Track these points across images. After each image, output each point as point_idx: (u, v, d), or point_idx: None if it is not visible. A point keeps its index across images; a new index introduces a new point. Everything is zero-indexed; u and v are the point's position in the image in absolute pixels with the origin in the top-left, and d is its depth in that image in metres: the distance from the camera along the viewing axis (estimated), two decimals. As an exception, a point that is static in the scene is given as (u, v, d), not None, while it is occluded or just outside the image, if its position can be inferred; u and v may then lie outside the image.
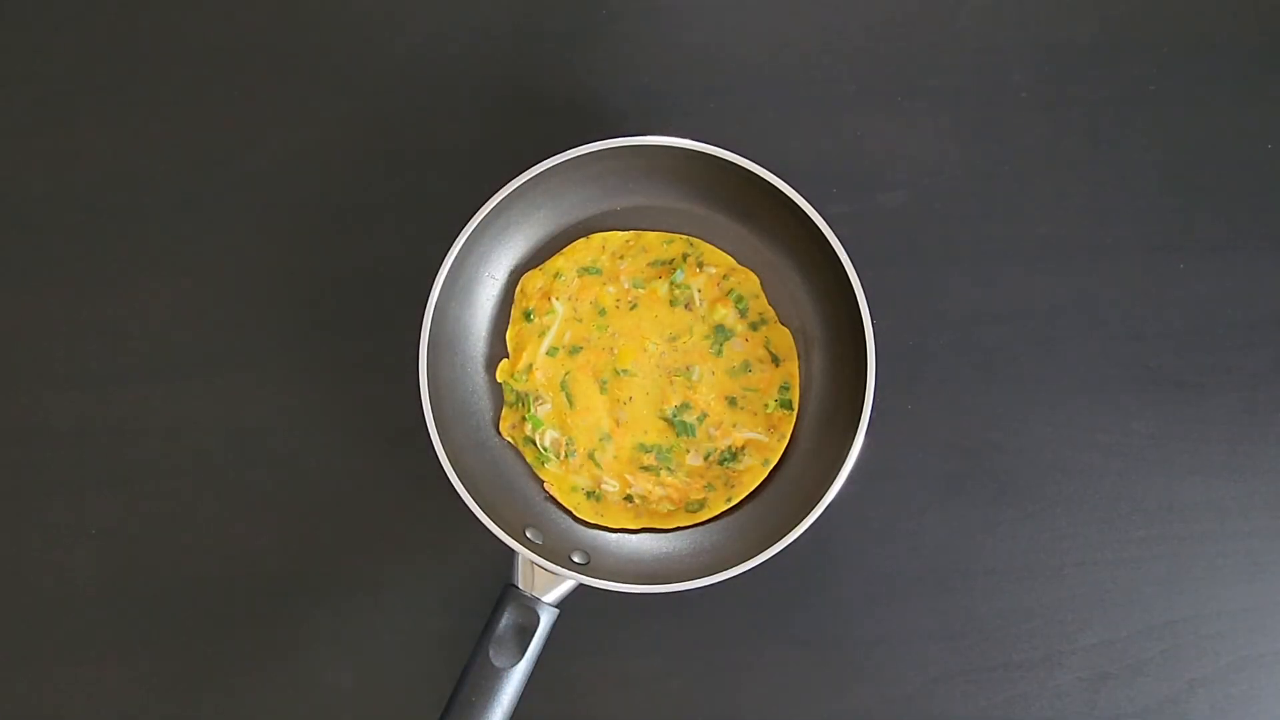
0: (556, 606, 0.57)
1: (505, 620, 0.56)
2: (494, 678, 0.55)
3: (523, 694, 0.56)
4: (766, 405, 0.62)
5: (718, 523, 0.63)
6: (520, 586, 0.57)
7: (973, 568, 0.64)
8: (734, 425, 0.62)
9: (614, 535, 0.63)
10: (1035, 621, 0.64)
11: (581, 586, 0.57)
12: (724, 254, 0.63)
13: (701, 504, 0.62)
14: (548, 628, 0.56)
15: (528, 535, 0.59)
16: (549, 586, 0.57)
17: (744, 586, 0.64)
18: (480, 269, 0.62)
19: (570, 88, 0.66)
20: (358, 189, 0.67)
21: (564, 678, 0.64)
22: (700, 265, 0.62)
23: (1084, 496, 0.65)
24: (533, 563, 0.57)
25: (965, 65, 0.66)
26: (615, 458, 0.62)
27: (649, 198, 0.62)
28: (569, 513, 0.63)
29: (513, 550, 0.57)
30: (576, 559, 0.60)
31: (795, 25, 0.67)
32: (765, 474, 0.62)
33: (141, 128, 0.67)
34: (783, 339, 0.62)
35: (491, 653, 0.55)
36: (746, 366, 0.62)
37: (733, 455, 0.62)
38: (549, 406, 0.62)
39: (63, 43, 0.67)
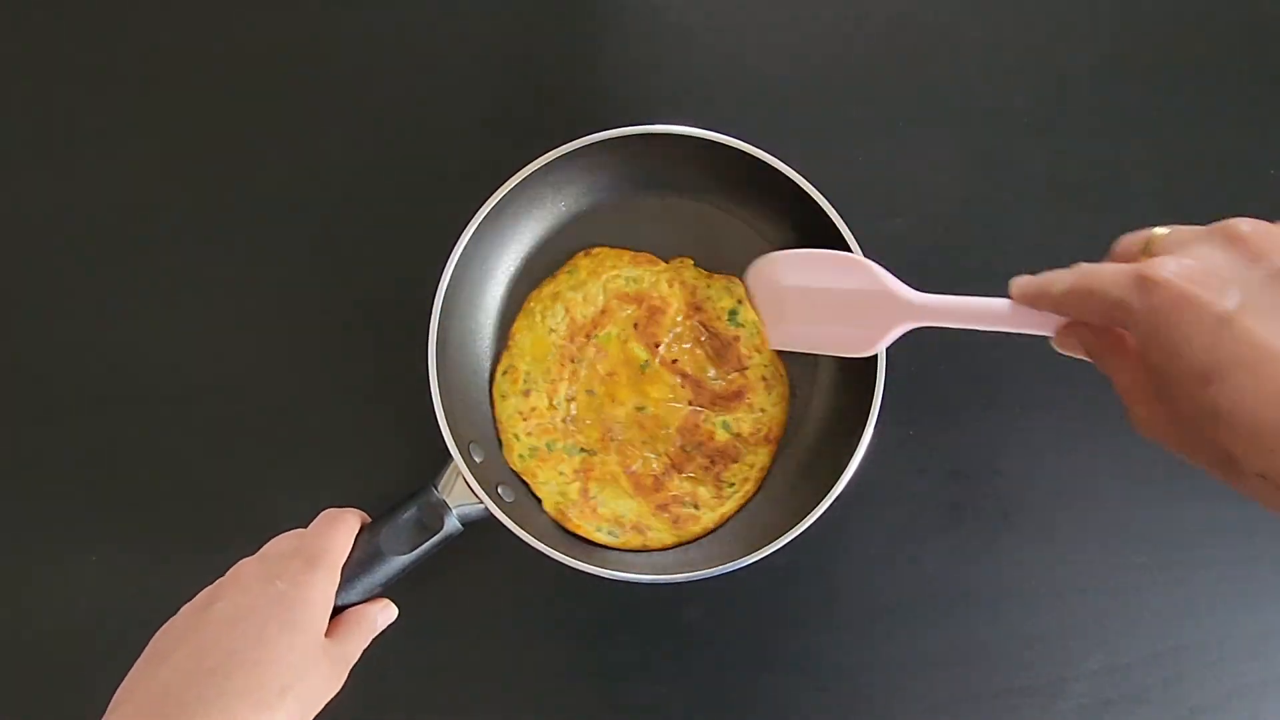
0: (463, 525, 0.57)
1: (410, 513, 0.56)
2: (374, 557, 0.54)
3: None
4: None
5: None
6: (438, 490, 0.57)
7: (975, 593, 0.64)
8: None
9: None
10: (1038, 648, 0.64)
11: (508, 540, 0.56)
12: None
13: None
14: (445, 537, 0.56)
15: (470, 450, 0.59)
16: (464, 504, 0.57)
17: (745, 612, 0.64)
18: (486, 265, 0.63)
19: (571, 115, 0.66)
20: (358, 214, 0.67)
21: (566, 706, 0.64)
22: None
23: (1086, 522, 0.65)
24: (461, 475, 0.57)
25: (968, 92, 0.66)
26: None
27: (653, 191, 0.64)
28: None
29: (449, 456, 0.56)
30: (503, 493, 0.60)
31: (797, 55, 0.67)
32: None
33: (150, 154, 0.67)
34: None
35: (382, 535, 0.55)
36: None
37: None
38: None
39: (72, 71, 0.68)
